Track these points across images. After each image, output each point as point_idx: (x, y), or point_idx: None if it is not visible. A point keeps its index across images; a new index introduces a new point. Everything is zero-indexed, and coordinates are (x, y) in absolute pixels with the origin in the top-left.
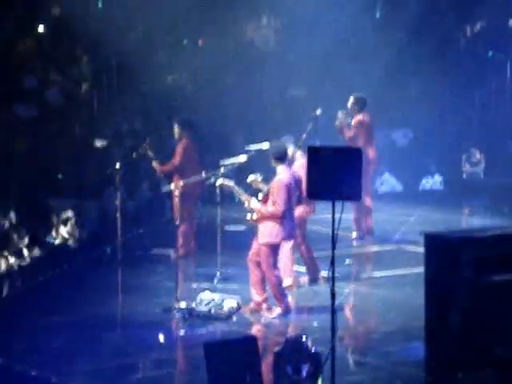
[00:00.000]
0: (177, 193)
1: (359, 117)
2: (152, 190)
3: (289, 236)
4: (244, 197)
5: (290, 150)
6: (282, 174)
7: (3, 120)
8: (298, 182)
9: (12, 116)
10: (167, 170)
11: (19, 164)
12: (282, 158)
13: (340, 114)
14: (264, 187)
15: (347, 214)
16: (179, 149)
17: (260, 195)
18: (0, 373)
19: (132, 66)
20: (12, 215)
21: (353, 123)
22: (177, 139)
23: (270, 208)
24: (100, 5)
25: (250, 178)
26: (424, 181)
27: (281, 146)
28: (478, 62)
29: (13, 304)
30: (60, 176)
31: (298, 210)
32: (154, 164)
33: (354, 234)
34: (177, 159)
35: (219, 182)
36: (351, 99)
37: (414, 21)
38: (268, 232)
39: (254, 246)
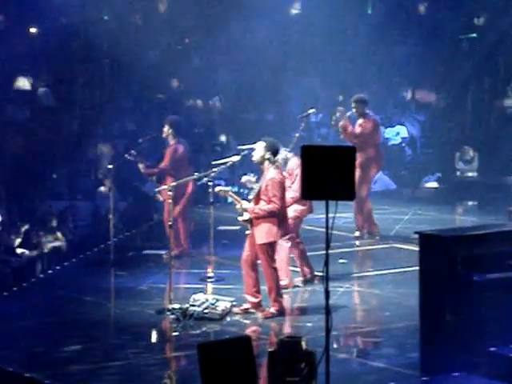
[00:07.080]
0: (169, 193)
1: (367, 116)
2: (143, 190)
3: (285, 233)
4: (237, 200)
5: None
6: (273, 172)
7: None
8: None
9: (5, 117)
10: (155, 172)
11: (12, 165)
12: (276, 153)
13: (340, 112)
14: (255, 187)
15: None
16: (168, 152)
17: (250, 196)
18: None
19: (124, 65)
20: (3, 216)
21: (360, 122)
22: (165, 138)
23: (265, 206)
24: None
25: (244, 178)
26: (422, 179)
27: (275, 141)
28: (472, 59)
29: (4, 305)
30: (54, 176)
31: (295, 209)
32: (140, 166)
33: (357, 233)
34: (165, 162)
35: (217, 189)
36: (354, 102)
37: (406, 19)
38: (265, 232)
39: (247, 247)
